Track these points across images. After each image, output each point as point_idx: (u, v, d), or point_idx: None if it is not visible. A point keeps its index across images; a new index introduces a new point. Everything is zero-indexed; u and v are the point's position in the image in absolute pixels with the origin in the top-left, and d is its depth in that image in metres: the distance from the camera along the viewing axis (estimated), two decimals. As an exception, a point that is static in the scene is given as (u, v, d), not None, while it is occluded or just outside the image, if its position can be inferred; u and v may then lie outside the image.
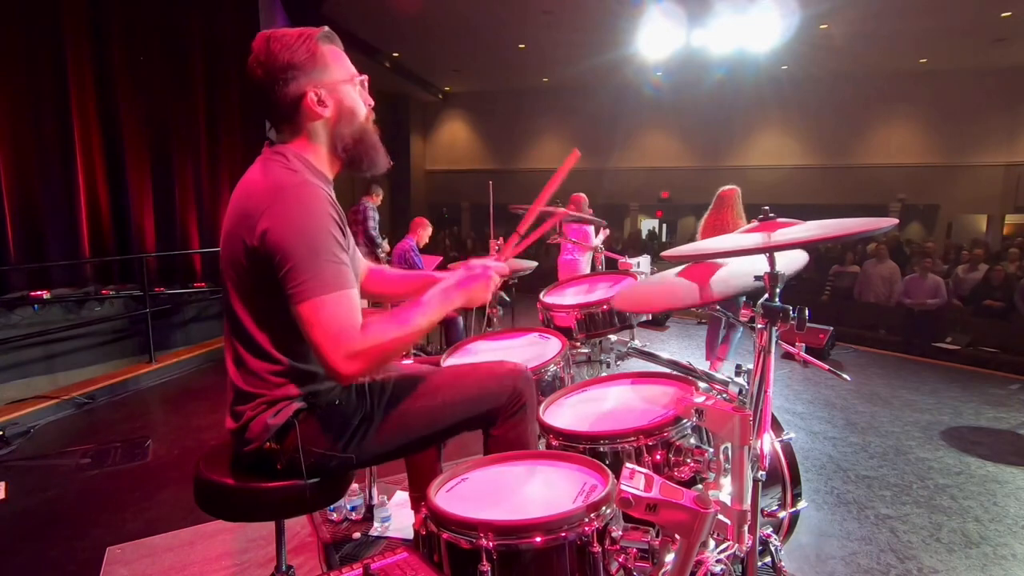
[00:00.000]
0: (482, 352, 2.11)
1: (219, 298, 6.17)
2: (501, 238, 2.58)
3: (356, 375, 1.13)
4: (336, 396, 1.33)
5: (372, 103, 1.37)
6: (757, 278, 1.30)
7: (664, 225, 15.59)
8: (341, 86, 1.28)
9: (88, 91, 5.35)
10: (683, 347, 6.22)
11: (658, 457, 1.39)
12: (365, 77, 1.35)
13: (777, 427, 1.86)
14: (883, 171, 12.65)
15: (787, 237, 1.25)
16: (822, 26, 9.04)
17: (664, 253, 1.47)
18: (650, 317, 2.36)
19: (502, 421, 1.41)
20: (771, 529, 1.76)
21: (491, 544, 1.04)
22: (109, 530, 2.56)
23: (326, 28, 1.29)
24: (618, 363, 2.39)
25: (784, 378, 4.91)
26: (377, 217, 6.21)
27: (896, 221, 1.26)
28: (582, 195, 5.93)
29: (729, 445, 1.28)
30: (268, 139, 1.32)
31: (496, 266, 1.37)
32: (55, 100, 5.12)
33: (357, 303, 1.16)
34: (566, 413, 1.64)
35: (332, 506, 2.30)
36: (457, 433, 1.43)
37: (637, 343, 2.33)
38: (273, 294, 1.16)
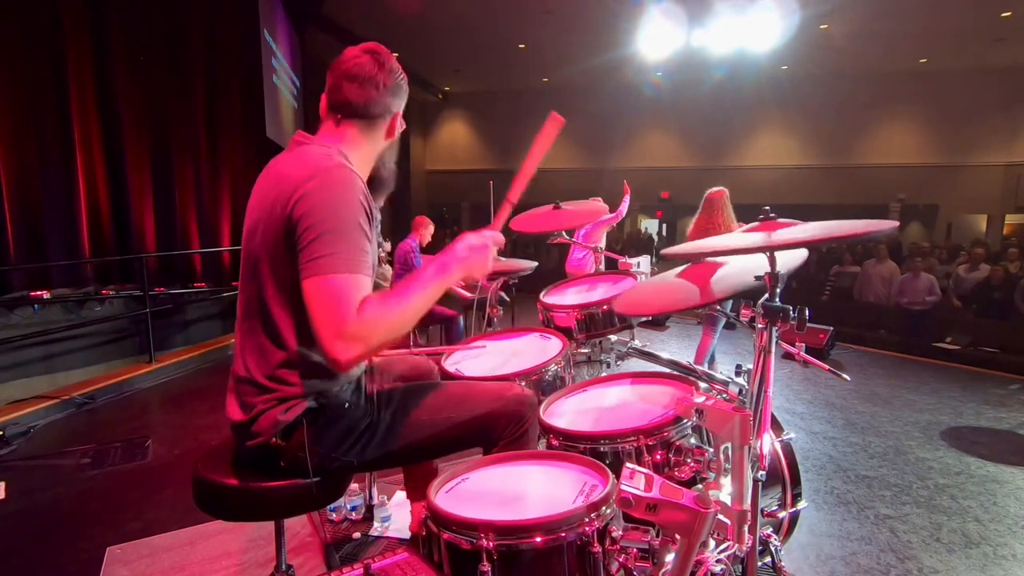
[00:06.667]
0: (482, 352, 2.11)
1: (220, 297, 6.21)
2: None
3: (351, 360, 1.09)
4: (346, 399, 1.33)
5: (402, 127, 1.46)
6: (758, 278, 1.30)
7: (664, 225, 15.58)
8: (400, 119, 1.43)
9: (88, 91, 5.36)
10: (683, 347, 6.21)
11: (658, 457, 1.39)
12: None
13: (777, 427, 1.85)
14: (883, 171, 12.65)
15: (787, 237, 1.25)
16: (822, 26, 9.04)
17: (665, 251, 1.47)
18: (650, 317, 2.35)
19: (503, 444, 1.43)
20: (771, 529, 1.76)
21: (491, 544, 1.04)
22: (109, 530, 2.56)
23: None
24: (618, 363, 2.39)
25: (784, 378, 4.91)
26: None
27: (897, 223, 1.26)
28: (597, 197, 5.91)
29: (729, 445, 1.28)
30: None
31: (492, 236, 1.31)
32: (55, 100, 5.11)
33: (367, 290, 1.14)
34: (566, 413, 1.64)
35: (332, 506, 2.31)
36: (457, 449, 1.45)
37: (637, 343, 2.33)
38: None
